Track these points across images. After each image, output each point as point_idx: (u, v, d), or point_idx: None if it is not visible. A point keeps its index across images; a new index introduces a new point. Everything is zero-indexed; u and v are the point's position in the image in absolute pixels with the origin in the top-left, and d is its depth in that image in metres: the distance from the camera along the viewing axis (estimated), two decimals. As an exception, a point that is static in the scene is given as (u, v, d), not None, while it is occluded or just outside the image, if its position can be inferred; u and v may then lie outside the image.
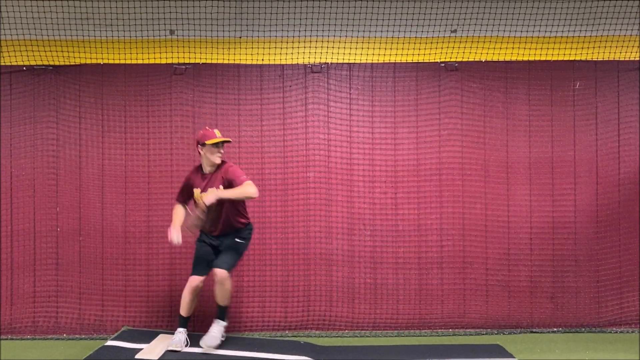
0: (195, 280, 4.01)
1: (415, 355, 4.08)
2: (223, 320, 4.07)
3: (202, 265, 4.04)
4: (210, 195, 3.74)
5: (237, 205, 3.99)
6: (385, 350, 4.22)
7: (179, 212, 4.08)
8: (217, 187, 3.87)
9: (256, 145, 4.75)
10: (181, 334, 4.04)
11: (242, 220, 4.07)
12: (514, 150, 4.79)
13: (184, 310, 4.07)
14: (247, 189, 3.78)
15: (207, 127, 4.10)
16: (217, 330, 4.00)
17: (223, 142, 3.93)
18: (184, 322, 4.10)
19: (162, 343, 4.10)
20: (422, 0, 4.61)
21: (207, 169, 3.97)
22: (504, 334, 4.70)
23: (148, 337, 4.28)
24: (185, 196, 4.11)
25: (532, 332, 4.72)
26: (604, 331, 4.72)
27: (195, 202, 4.00)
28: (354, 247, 4.75)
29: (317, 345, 4.33)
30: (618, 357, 4.05)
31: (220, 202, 3.82)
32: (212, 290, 4.07)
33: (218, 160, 3.91)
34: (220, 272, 3.88)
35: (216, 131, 3.95)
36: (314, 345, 4.30)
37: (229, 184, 3.86)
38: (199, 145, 3.94)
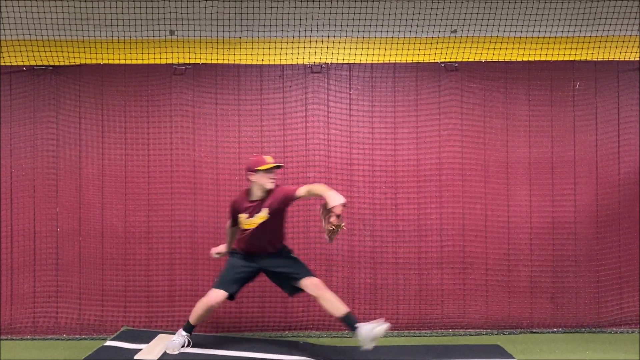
0: (219, 296, 3.84)
1: (415, 355, 4.08)
2: (355, 325, 3.64)
3: (233, 284, 3.90)
4: (337, 206, 3.44)
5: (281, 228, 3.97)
6: (385, 350, 4.21)
7: (230, 234, 4.06)
8: (262, 210, 3.77)
9: (256, 146, 4.75)
10: (182, 337, 3.98)
11: (282, 243, 4.04)
12: (514, 151, 4.79)
13: (194, 319, 3.95)
14: (326, 190, 3.52)
15: (256, 154, 4.10)
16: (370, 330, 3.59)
17: (276, 167, 3.81)
18: (190, 328, 4.01)
19: (162, 343, 4.10)
20: (422, 1, 4.61)
21: (257, 194, 3.81)
22: (504, 334, 4.70)
23: (147, 337, 4.28)
24: (235, 221, 3.94)
25: (532, 332, 4.72)
26: (604, 331, 4.72)
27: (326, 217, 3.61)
28: (354, 248, 4.75)
29: (316, 345, 4.33)
30: (618, 358, 4.05)
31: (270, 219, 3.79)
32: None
33: (271, 186, 3.77)
34: (311, 280, 3.78)
35: (267, 157, 3.84)
36: (313, 346, 4.30)
37: (280, 204, 3.76)
38: (249, 172, 3.81)
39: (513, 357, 3.97)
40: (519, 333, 4.71)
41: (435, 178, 4.77)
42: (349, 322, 3.69)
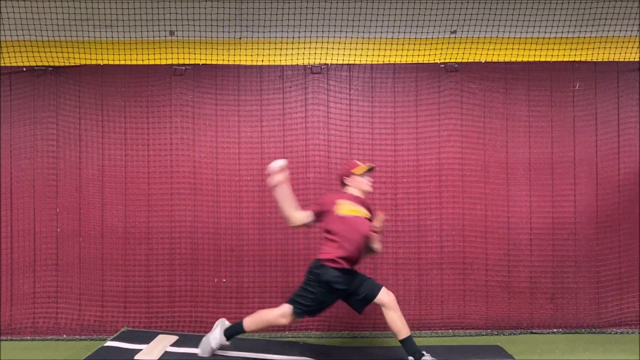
0: (289, 317, 3.58)
1: (415, 356, 4.08)
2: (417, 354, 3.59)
3: (315, 309, 3.61)
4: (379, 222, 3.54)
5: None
6: (384, 351, 4.22)
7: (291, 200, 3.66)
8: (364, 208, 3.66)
9: (256, 146, 4.75)
10: (219, 333, 3.74)
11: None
12: (513, 151, 4.79)
13: (251, 326, 3.66)
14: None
15: (350, 160, 4.08)
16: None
17: (370, 169, 3.77)
18: (235, 332, 3.74)
19: (162, 344, 4.11)
20: (422, 1, 4.61)
21: (359, 194, 3.73)
22: (504, 334, 4.70)
23: (147, 337, 4.28)
24: (321, 213, 3.63)
25: (532, 332, 4.72)
26: (604, 332, 4.72)
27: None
28: (354, 248, 4.74)
29: (316, 345, 4.33)
30: (618, 358, 4.04)
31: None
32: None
33: (370, 188, 3.73)
34: (386, 294, 3.60)
35: (357, 161, 3.84)
36: (313, 346, 4.30)
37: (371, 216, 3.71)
38: (345, 178, 3.74)
39: (513, 358, 3.97)
40: (519, 333, 4.71)
41: (435, 178, 4.77)
42: (411, 352, 3.62)
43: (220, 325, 3.82)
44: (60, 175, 4.72)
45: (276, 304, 4.66)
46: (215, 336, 3.77)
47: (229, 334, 3.75)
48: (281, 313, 3.59)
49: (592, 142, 4.81)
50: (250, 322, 3.68)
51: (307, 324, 4.71)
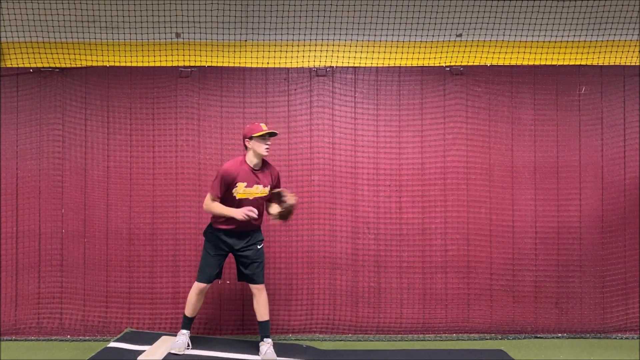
0: (201, 286, 3.99)
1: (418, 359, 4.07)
2: (269, 336, 4.05)
3: (211, 273, 3.98)
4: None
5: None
6: (388, 354, 4.21)
7: (223, 205, 3.87)
8: (266, 185, 3.89)
9: (261, 148, 4.75)
10: (184, 336, 4.04)
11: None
12: (519, 155, 4.78)
13: (189, 310, 4.05)
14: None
15: (254, 122, 4.17)
16: (270, 350, 3.97)
17: (270, 134, 3.88)
18: (188, 324, 4.09)
19: (165, 345, 4.11)
20: (428, 5, 4.61)
21: (253, 162, 3.87)
22: (508, 339, 4.68)
23: (151, 339, 4.29)
24: (225, 191, 3.85)
25: (536, 337, 4.70)
26: (609, 337, 4.69)
27: (272, 198, 4.01)
28: (358, 251, 4.74)
29: (319, 349, 4.32)
30: (623, 364, 4.03)
31: (263, 201, 3.96)
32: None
33: (266, 152, 3.85)
34: (257, 287, 3.99)
35: (262, 124, 3.89)
36: (316, 349, 4.29)
37: (275, 187, 4.02)
38: (246, 139, 3.86)
39: (517, 363, 3.96)
40: (524, 338, 4.69)
41: (439, 182, 4.76)
42: (264, 332, 4.03)
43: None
44: (65, 176, 4.73)
45: (278, 305, 4.71)
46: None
47: (183, 325, 4.11)
48: (193, 289, 4.04)
49: (598, 146, 4.79)
50: (186, 308, 4.07)
51: (310, 327, 4.70)
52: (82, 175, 4.74)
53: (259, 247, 4.00)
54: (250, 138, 3.83)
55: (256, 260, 3.97)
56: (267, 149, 3.85)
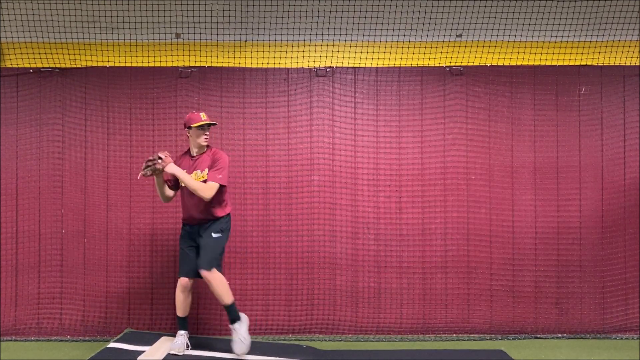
0: (182, 281, 4.01)
1: (418, 360, 4.08)
2: (236, 320, 3.89)
3: (185, 267, 4.00)
4: (171, 166, 3.82)
5: (215, 195, 3.88)
6: (388, 354, 4.21)
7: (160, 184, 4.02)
8: (203, 170, 3.91)
9: (261, 149, 4.76)
10: (182, 336, 4.04)
11: (219, 212, 3.96)
12: (519, 155, 4.78)
13: (179, 311, 4.06)
14: (203, 188, 3.79)
15: (193, 111, 4.14)
16: (237, 335, 3.86)
17: (209, 124, 3.95)
18: (183, 324, 4.09)
19: (165, 345, 4.11)
20: (428, 5, 4.61)
21: (194, 151, 4.00)
22: (508, 339, 4.68)
23: (151, 339, 4.29)
24: (172, 179, 4.07)
25: (536, 337, 4.70)
26: (609, 337, 4.69)
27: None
28: (358, 251, 4.74)
29: (319, 349, 4.32)
30: (623, 364, 4.03)
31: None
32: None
33: (204, 142, 3.95)
34: (202, 273, 3.83)
35: (202, 114, 3.95)
36: (316, 350, 4.29)
37: (211, 167, 3.93)
38: (186, 129, 3.98)
39: (517, 363, 3.96)
40: (523, 338, 4.69)
41: (439, 182, 4.76)
42: (230, 317, 3.91)
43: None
44: (65, 176, 4.73)
45: (279, 305, 4.70)
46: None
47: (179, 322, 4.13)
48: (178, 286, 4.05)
49: (598, 147, 4.79)
50: (176, 308, 4.07)
51: (310, 327, 4.70)
52: (82, 175, 4.74)
53: (214, 235, 3.92)
54: (189, 128, 3.92)
55: (205, 246, 3.90)
56: (205, 139, 3.96)
